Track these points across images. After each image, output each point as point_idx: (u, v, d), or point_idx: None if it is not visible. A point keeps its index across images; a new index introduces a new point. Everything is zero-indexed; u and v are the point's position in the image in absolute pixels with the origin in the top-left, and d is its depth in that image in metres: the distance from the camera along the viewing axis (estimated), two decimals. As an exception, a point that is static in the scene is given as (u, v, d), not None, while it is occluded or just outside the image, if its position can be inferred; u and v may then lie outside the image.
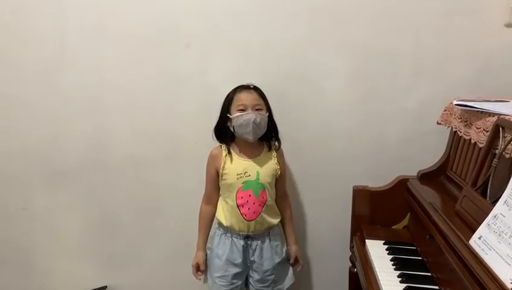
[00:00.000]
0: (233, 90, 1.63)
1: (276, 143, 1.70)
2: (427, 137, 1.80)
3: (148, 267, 2.11)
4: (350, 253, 1.70)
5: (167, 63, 1.86)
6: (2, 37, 1.88)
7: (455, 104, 1.41)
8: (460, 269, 1.07)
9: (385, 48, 1.79)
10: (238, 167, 1.63)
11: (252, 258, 1.68)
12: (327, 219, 1.96)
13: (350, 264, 1.71)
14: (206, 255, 1.75)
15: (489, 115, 1.27)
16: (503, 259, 0.95)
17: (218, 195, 1.72)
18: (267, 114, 1.62)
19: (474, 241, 1.06)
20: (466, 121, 1.41)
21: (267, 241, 1.68)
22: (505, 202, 1.03)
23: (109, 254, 2.11)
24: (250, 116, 1.56)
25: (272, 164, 1.67)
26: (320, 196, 1.94)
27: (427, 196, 1.45)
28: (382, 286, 1.26)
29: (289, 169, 1.89)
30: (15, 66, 1.90)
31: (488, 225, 1.05)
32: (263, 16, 1.80)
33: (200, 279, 1.76)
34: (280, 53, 1.82)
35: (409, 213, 1.60)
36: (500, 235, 1.00)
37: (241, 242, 1.66)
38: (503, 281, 0.91)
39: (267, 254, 1.68)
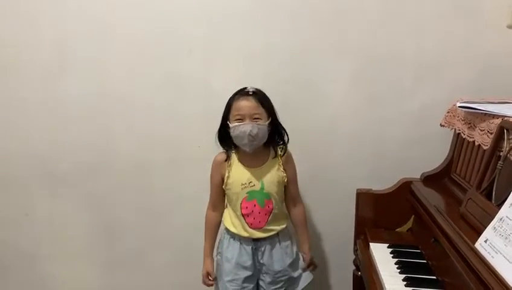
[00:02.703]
0: (233, 95, 1.56)
1: (280, 150, 1.62)
2: (430, 139, 1.79)
3: (150, 271, 2.11)
4: (354, 256, 1.69)
5: (169, 68, 1.86)
6: (2, 41, 1.87)
7: (458, 106, 1.41)
8: (466, 272, 1.06)
9: (387, 51, 1.78)
10: (242, 176, 1.58)
11: (261, 261, 1.64)
12: (331, 222, 1.95)
13: (354, 268, 1.70)
14: (216, 261, 1.72)
15: (493, 117, 1.26)
16: (510, 263, 0.94)
17: (224, 201, 1.68)
18: (268, 121, 1.54)
19: (480, 245, 1.06)
20: (470, 123, 1.40)
21: (277, 243, 1.65)
22: (510, 204, 1.03)
23: (112, 258, 2.10)
24: (246, 127, 1.48)
25: (277, 172, 1.60)
26: (324, 199, 1.94)
27: (431, 198, 1.45)
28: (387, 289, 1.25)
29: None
30: (16, 70, 1.90)
31: (494, 228, 1.04)
32: (265, 20, 1.80)
33: (211, 285, 1.72)
34: (282, 57, 1.82)
35: (412, 216, 1.60)
36: (506, 238, 0.99)
37: (250, 245, 1.63)
38: (511, 285, 0.90)
39: (277, 256, 1.64)
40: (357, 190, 1.64)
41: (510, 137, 1.15)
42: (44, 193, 2.03)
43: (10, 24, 1.85)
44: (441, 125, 1.60)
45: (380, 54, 1.79)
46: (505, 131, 1.17)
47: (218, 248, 1.72)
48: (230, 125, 1.52)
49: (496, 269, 0.97)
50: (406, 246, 1.49)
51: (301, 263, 1.70)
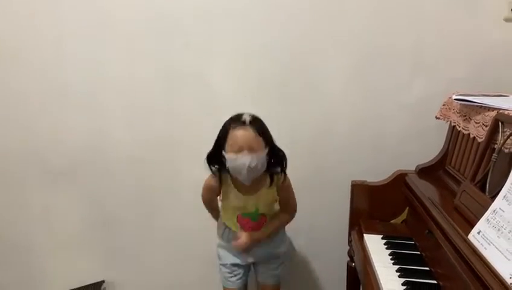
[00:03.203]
0: (228, 122, 1.50)
1: (277, 178, 1.59)
2: (426, 132, 1.80)
3: (144, 263, 2.12)
4: (348, 247, 1.70)
5: (166, 63, 1.86)
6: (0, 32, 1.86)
7: (454, 99, 1.41)
8: (459, 264, 1.07)
9: (384, 44, 1.78)
10: (236, 201, 1.59)
11: (253, 252, 1.69)
12: (326, 213, 1.96)
13: (348, 259, 1.71)
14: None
15: (488, 110, 1.27)
16: (502, 254, 0.95)
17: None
18: (267, 150, 1.50)
19: (473, 236, 1.06)
20: (465, 116, 1.40)
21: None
22: (504, 196, 1.03)
23: (106, 251, 2.11)
24: (245, 160, 1.44)
25: (271, 196, 1.62)
26: (320, 192, 1.94)
27: (426, 190, 1.45)
28: (381, 280, 1.25)
29: (289, 165, 1.89)
30: (12, 64, 1.89)
31: (487, 219, 1.05)
32: (262, 15, 1.79)
33: None
34: (280, 53, 1.82)
35: (407, 208, 1.60)
36: (499, 230, 0.99)
37: None
38: (503, 276, 0.91)
39: (268, 247, 1.70)
40: (352, 181, 1.63)
41: (505, 130, 1.15)
42: (39, 185, 2.03)
43: (8, 16, 1.84)
44: (437, 117, 1.60)
45: (377, 47, 1.79)
46: (500, 124, 1.17)
47: (217, 232, 1.77)
48: (227, 156, 1.48)
49: (489, 260, 0.97)
50: (400, 237, 1.50)
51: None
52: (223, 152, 1.49)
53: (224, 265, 1.73)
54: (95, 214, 2.05)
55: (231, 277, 1.73)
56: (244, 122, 1.47)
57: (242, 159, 1.44)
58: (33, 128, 1.96)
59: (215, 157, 1.54)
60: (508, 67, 1.74)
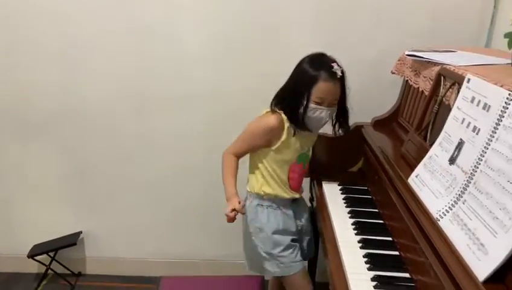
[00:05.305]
0: (317, 69, 1.39)
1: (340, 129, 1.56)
2: (384, 87, 1.88)
3: (120, 213, 2.21)
4: (310, 194, 1.83)
5: (137, 15, 1.88)
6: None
7: (406, 54, 1.50)
8: (399, 204, 1.20)
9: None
10: (299, 141, 1.52)
11: (301, 222, 1.65)
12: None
13: (309, 205, 1.84)
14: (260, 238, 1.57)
15: (434, 65, 1.36)
16: (433, 194, 1.07)
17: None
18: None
19: (412, 180, 1.19)
20: (416, 71, 1.50)
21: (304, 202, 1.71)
22: (439, 144, 1.15)
23: (83, 201, 2.20)
24: (324, 115, 1.42)
25: (314, 137, 1.62)
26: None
27: (378, 140, 1.57)
28: (333, 221, 1.40)
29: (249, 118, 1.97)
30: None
31: (424, 164, 1.17)
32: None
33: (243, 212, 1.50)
34: (243, 6, 1.85)
35: (362, 157, 1.72)
36: (433, 173, 1.12)
37: (290, 209, 1.60)
38: (432, 212, 1.03)
39: (306, 214, 1.69)
40: (313, 133, 1.73)
41: (446, 83, 1.25)
42: (13, 138, 2.09)
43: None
44: (392, 72, 1.69)
45: (338, 1, 1.83)
46: (442, 78, 1.27)
47: (253, 227, 1.58)
48: (312, 106, 1.41)
49: (422, 200, 1.10)
50: (355, 184, 1.64)
51: None
52: (309, 102, 1.41)
53: (288, 248, 1.54)
54: (70, 165, 2.13)
55: (296, 255, 1.56)
56: (335, 75, 1.39)
57: (322, 114, 1.42)
58: (4, 82, 1.98)
59: (287, 100, 1.46)
60: (463, 22, 1.82)
